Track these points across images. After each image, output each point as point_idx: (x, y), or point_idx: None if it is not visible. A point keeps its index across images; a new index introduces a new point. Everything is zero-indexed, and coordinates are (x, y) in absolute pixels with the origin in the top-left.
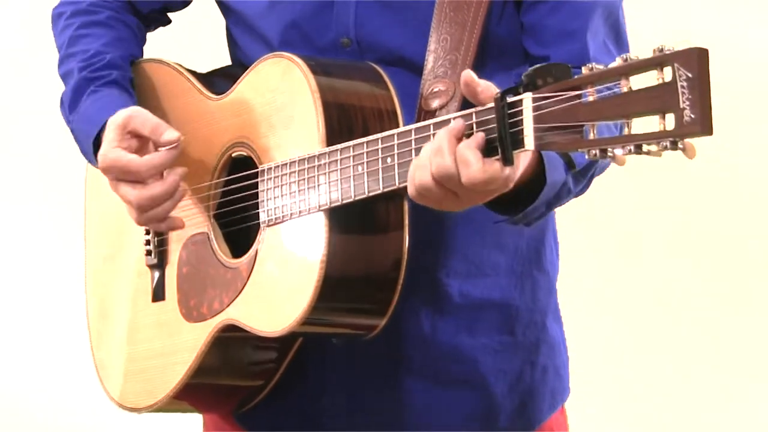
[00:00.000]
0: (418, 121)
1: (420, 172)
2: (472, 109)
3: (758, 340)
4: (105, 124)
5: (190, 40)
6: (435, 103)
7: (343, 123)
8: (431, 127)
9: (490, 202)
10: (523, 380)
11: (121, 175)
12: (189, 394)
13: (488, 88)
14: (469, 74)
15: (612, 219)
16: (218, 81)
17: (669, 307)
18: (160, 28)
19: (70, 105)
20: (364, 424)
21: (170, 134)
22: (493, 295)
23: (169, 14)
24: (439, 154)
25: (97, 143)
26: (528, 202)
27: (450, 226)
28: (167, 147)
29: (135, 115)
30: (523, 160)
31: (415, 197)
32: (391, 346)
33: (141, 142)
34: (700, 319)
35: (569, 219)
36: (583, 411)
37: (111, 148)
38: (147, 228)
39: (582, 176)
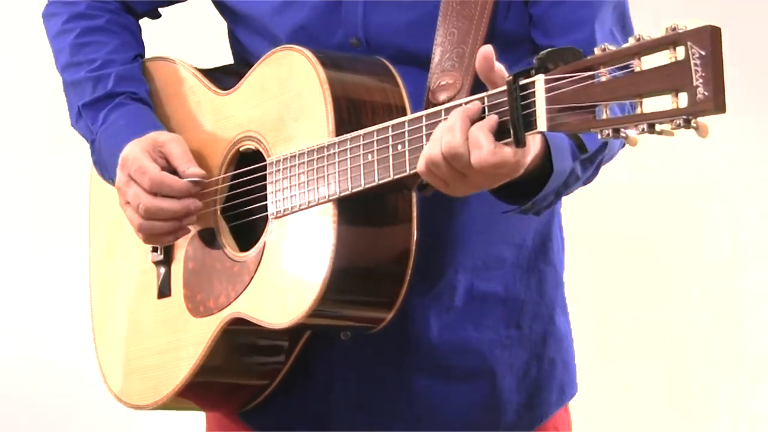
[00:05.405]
0: None
1: (431, 145)
2: (484, 93)
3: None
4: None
5: (191, 38)
6: (443, 96)
7: (353, 116)
8: (442, 113)
9: (498, 192)
10: (530, 374)
11: (137, 178)
12: (193, 391)
13: (501, 70)
14: (489, 48)
15: (618, 213)
16: (224, 77)
17: (674, 305)
18: (164, 27)
19: (92, 117)
20: (371, 422)
21: (196, 169)
22: (499, 289)
23: (163, 9)
24: (450, 132)
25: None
26: (536, 191)
27: (457, 221)
28: (190, 179)
29: (175, 140)
30: (533, 145)
31: (423, 173)
32: (398, 343)
33: (166, 164)
34: (707, 316)
35: (575, 214)
36: (588, 408)
37: (138, 151)
38: None
39: (590, 162)
